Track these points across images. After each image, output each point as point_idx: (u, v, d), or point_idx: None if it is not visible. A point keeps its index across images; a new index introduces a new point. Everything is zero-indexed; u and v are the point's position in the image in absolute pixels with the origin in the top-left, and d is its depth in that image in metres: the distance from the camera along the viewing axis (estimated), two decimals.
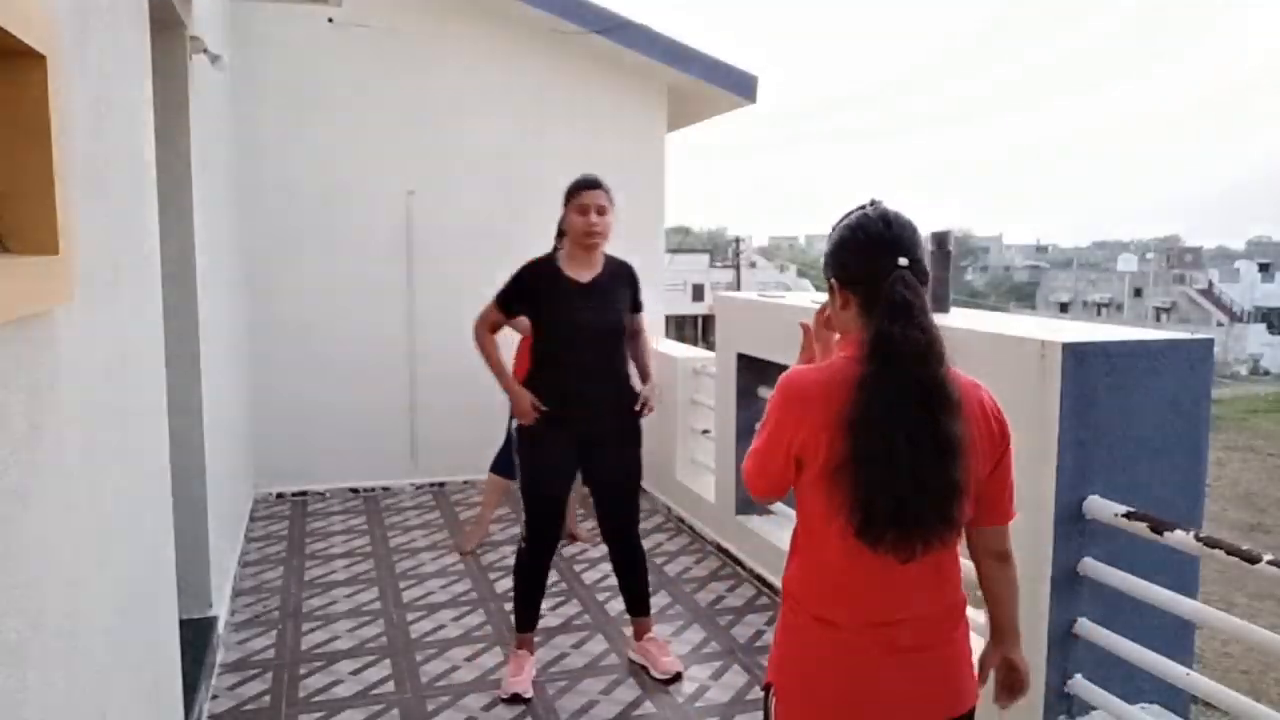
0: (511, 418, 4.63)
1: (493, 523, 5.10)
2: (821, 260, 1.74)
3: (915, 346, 1.50)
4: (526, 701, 3.24)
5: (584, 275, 3.27)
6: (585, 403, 3.27)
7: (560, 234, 4.62)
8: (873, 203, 1.67)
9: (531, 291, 3.28)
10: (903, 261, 1.57)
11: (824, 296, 1.69)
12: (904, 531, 1.51)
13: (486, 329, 3.38)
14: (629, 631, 3.77)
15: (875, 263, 1.59)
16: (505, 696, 3.25)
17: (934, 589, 1.62)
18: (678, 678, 3.41)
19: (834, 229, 1.70)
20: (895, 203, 1.67)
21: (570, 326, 3.23)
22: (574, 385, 3.25)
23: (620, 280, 3.34)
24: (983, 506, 1.63)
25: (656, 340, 6.12)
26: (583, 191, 3.22)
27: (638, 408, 3.39)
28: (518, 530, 5.04)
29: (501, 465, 4.79)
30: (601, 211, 3.21)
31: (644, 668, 3.48)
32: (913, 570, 1.56)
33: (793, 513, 4.67)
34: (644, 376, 3.50)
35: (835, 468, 1.52)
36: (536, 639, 3.72)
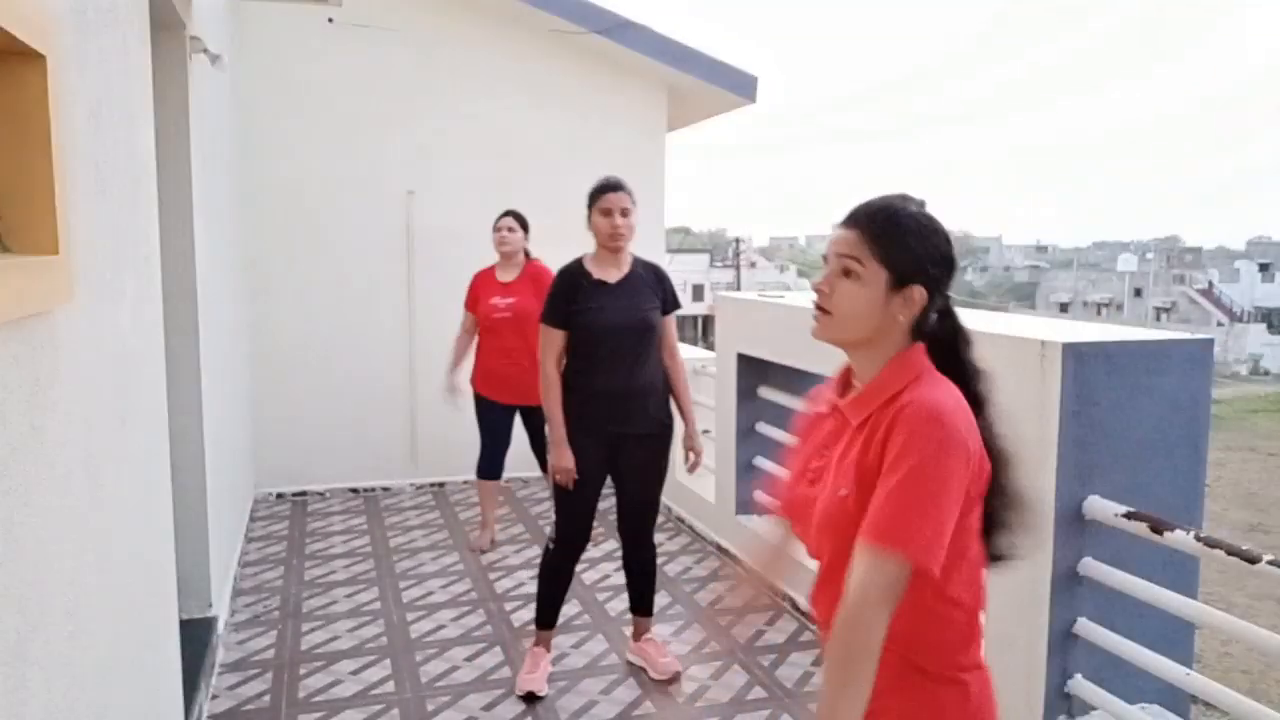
0: (488, 428, 4.68)
1: (494, 523, 5.10)
2: (904, 254, 1.46)
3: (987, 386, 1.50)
4: (540, 699, 3.24)
5: (612, 275, 3.28)
6: (614, 403, 3.26)
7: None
8: (907, 199, 1.50)
9: (567, 295, 3.27)
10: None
11: None
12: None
13: (555, 362, 3.27)
14: (628, 631, 3.78)
15: (949, 281, 1.49)
16: (520, 693, 3.26)
17: None
18: (676, 678, 3.41)
19: (915, 216, 1.46)
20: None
21: (601, 327, 3.23)
22: (605, 384, 3.25)
23: (648, 280, 3.34)
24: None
25: None
26: (605, 194, 3.23)
27: (688, 467, 3.48)
28: (518, 530, 5.07)
29: (482, 469, 4.78)
30: (625, 213, 3.23)
31: (643, 668, 3.49)
32: None
33: None
34: (684, 415, 3.47)
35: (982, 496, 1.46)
36: None
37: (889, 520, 1.32)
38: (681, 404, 3.46)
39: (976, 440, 1.40)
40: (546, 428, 3.33)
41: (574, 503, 3.32)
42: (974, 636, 1.49)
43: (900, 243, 1.44)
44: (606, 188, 3.25)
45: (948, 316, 1.51)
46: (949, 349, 1.49)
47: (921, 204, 1.51)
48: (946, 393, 1.42)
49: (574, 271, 3.30)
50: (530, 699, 3.24)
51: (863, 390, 1.48)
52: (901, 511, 1.32)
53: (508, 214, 4.68)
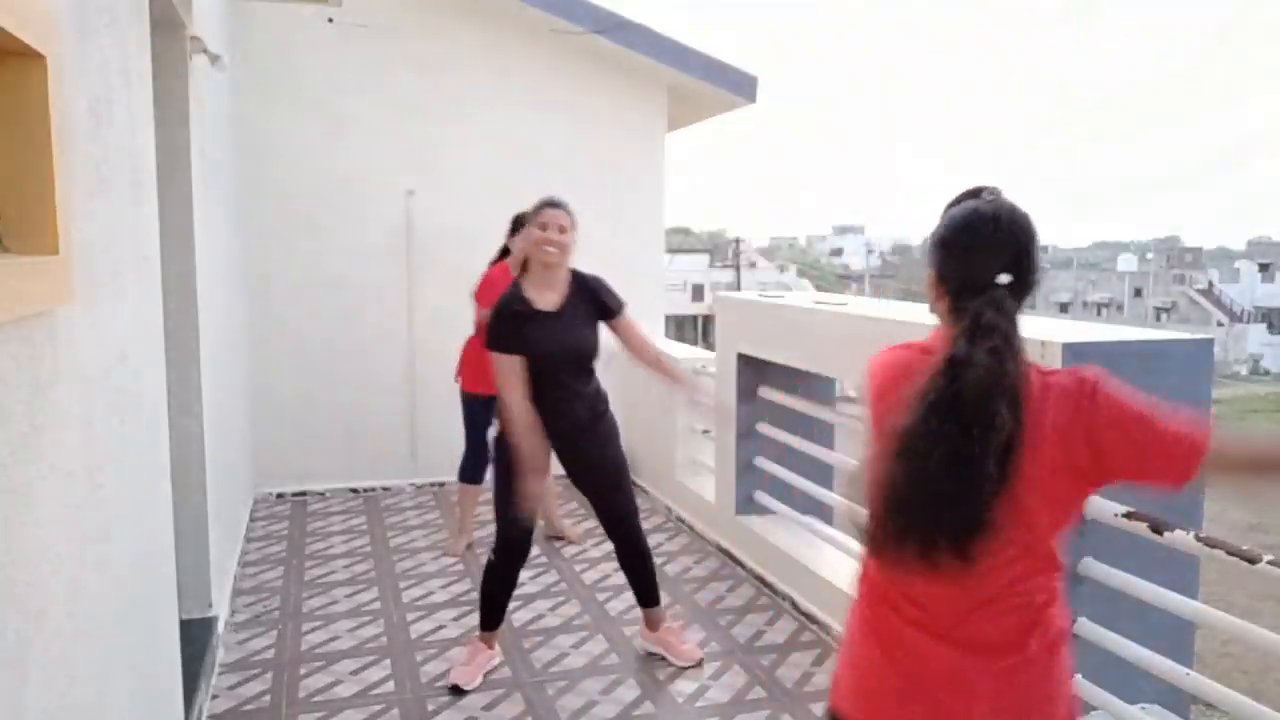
0: (480, 427, 4.64)
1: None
2: (927, 247, 1.57)
3: (978, 374, 1.38)
4: (464, 693, 3.27)
5: (550, 300, 3.26)
6: (562, 427, 3.32)
7: (506, 251, 4.63)
8: (988, 193, 1.50)
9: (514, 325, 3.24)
10: (1003, 279, 1.41)
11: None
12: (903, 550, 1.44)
13: (514, 388, 3.19)
14: (629, 631, 3.78)
15: (973, 271, 1.44)
16: (449, 685, 3.30)
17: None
18: (700, 664, 3.48)
19: (943, 214, 1.54)
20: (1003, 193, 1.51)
21: (544, 357, 3.24)
22: (552, 411, 3.27)
23: (584, 296, 3.31)
24: (1149, 465, 1.42)
25: (656, 340, 6.12)
26: (543, 210, 3.26)
27: (698, 399, 3.52)
28: None
29: (467, 473, 4.73)
30: (561, 230, 3.24)
31: (659, 660, 3.52)
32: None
33: (794, 514, 4.63)
34: (672, 375, 3.45)
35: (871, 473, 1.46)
36: (538, 638, 3.74)
37: None
38: (660, 367, 3.43)
39: (882, 395, 1.52)
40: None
41: (515, 521, 3.35)
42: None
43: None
44: (545, 204, 3.29)
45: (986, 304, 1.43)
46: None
47: (988, 191, 1.52)
48: (894, 351, 1.59)
49: (513, 298, 3.26)
50: (455, 691, 3.28)
51: None
52: None
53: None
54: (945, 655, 1.51)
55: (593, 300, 3.32)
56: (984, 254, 1.44)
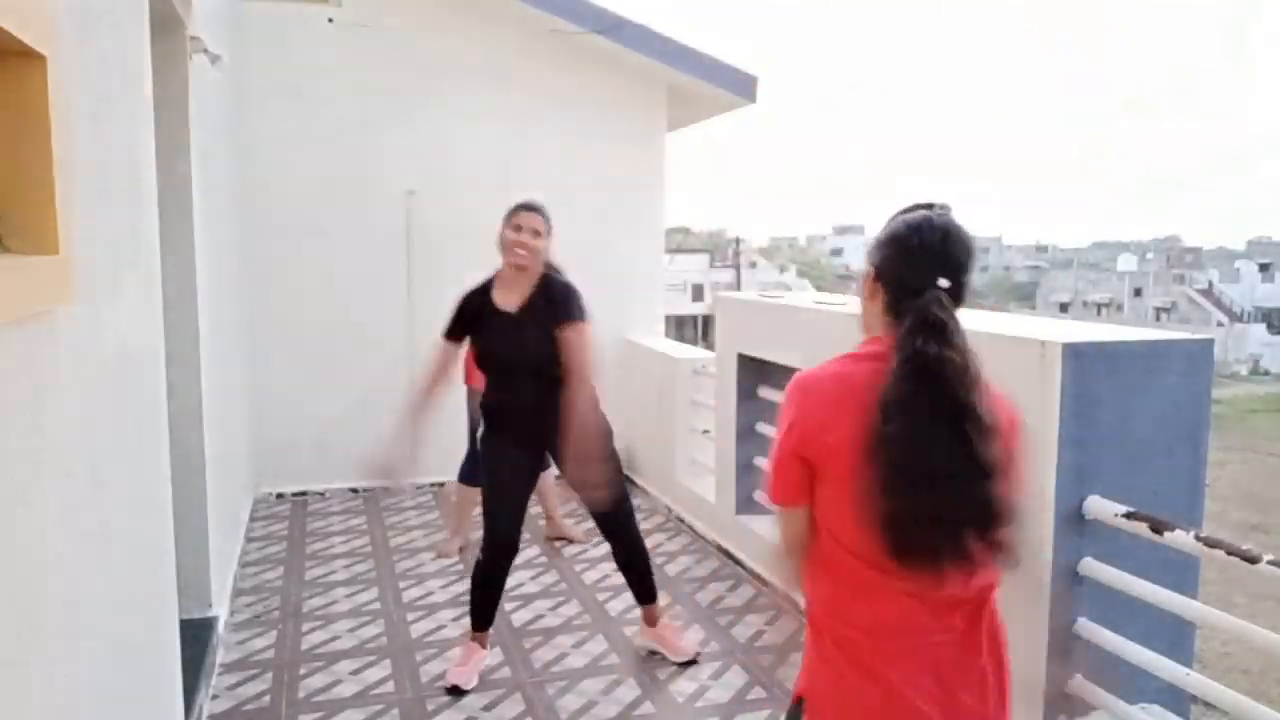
0: (476, 429, 4.61)
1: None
2: (873, 245, 1.66)
3: (951, 368, 1.48)
4: (465, 693, 3.28)
5: (511, 302, 3.26)
6: (529, 427, 3.33)
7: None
8: (940, 207, 1.61)
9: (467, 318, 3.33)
10: (943, 283, 1.53)
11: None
12: (937, 551, 1.48)
13: (429, 371, 3.40)
14: (629, 631, 3.78)
15: (917, 273, 1.55)
16: (447, 686, 3.30)
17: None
18: (696, 659, 3.49)
19: (891, 220, 1.64)
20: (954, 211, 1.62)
21: (492, 354, 3.32)
22: (514, 409, 3.33)
23: (546, 302, 3.24)
24: None
25: (656, 340, 6.12)
26: (519, 212, 3.25)
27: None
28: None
29: (466, 474, 4.69)
30: (535, 234, 3.23)
31: (659, 660, 3.52)
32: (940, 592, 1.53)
33: None
34: (565, 428, 3.11)
35: (862, 489, 1.48)
36: (537, 638, 3.74)
37: None
38: (568, 419, 3.13)
39: (825, 414, 1.54)
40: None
41: (496, 505, 3.39)
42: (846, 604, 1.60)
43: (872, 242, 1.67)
44: (521, 207, 3.27)
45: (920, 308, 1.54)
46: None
47: (940, 207, 1.62)
48: (825, 367, 1.61)
49: (476, 293, 3.32)
50: (455, 691, 3.28)
51: None
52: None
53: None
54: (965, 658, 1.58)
55: (551, 307, 3.22)
56: (929, 260, 1.55)
